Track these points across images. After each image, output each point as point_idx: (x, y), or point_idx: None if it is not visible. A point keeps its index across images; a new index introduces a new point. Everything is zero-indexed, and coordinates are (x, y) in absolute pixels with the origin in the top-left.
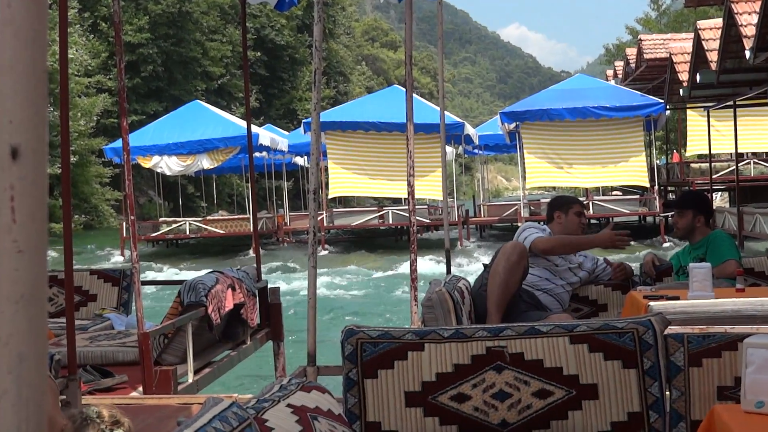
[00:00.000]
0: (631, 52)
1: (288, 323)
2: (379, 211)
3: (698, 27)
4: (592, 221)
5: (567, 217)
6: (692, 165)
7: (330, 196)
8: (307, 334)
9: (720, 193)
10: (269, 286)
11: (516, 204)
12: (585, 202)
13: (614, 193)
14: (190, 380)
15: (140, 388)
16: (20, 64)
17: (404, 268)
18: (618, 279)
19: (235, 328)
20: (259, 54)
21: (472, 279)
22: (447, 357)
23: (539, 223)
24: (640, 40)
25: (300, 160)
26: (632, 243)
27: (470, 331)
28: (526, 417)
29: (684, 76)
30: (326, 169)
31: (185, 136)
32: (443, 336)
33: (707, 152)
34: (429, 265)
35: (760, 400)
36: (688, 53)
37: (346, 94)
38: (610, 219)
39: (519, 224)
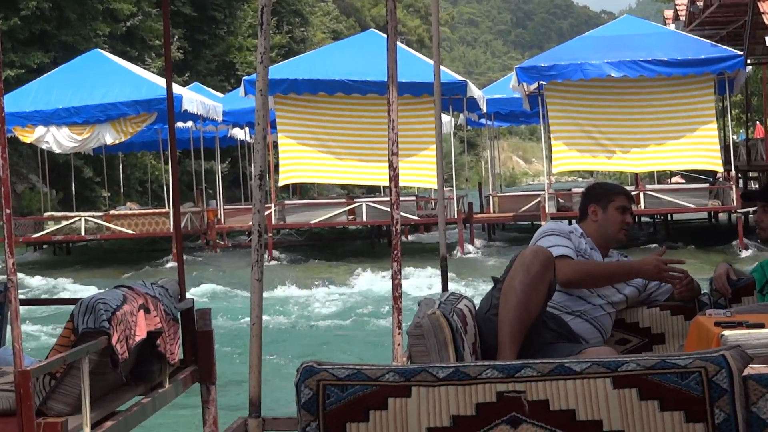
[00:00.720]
0: None
1: (223, 359)
2: (348, 205)
3: None
4: (643, 219)
5: (606, 214)
6: None
7: (281, 183)
8: (249, 374)
9: None
10: (197, 307)
11: (538, 195)
12: (633, 193)
13: (674, 180)
14: None
15: None
16: None
17: (384, 282)
18: (680, 298)
19: (148, 365)
20: None
21: (477, 299)
22: (443, 406)
23: (569, 222)
24: None
25: (239, 134)
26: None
27: (475, 370)
28: None
29: None
30: (276, 147)
31: (81, 100)
32: (438, 377)
33: None
34: (418, 280)
35: None
36: None
37: (303, 42)
38: (669, 216)
39: (542, 223)
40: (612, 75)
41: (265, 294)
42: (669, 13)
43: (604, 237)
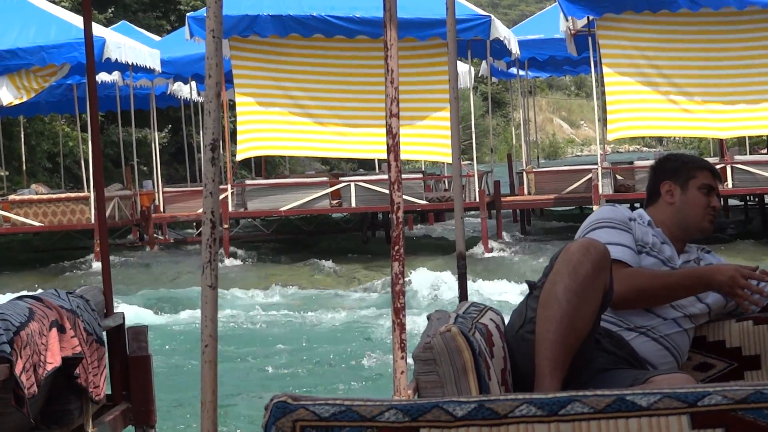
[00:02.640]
0: None
1: (165, 392)
2: (332, 185)
3: None
4: (731, 202)
5: (685, 195)
6: None
7: (240, 157)
8: (200, 413)
9: None
10: (129, 325)
11: (589, 170)
12: (719, 167)
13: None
14: None
15: None
16: None
17: (381, 288)
18: (745, 309)
19: (64, 402)
20: None
21: (507, 311)
22: None
23: (631, 207)
24: None
25: (183, 90)
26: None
27: (506, 407)
28: None
29: None
30: (232, 108)
31: None
32: (455, 415)
33: None
34: (427, 284)
35: None
36: None
37: None
38: (766, 199)
39: (594, 208)
40: (686, 9)
41: (221, 305)
42: None
43: (682, 226)
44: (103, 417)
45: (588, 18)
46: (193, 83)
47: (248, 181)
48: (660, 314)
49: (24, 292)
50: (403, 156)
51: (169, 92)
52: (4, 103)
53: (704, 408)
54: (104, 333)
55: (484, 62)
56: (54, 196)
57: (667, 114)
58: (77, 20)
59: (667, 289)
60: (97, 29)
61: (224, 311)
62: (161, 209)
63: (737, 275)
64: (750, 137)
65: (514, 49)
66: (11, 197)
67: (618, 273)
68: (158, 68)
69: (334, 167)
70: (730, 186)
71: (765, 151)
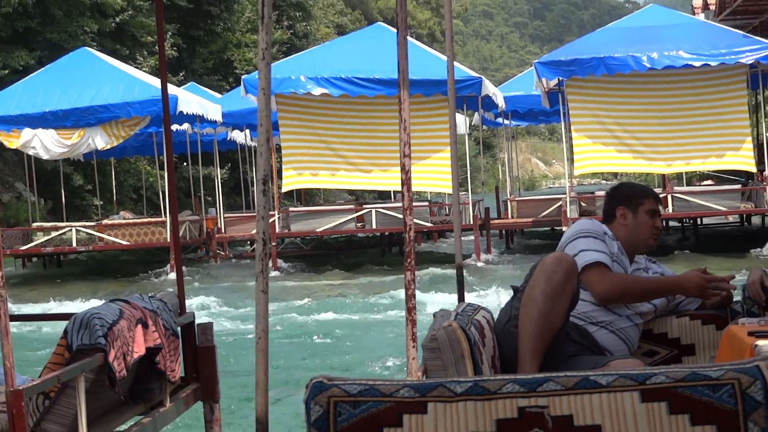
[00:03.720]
0: None
1: (227, 375)
2: (357, 211)
3: None
4: (671, 223)
5: (636, 218)
6: None
7: (285, 189)
8: (255, 391)
9: None
10: (198, 321)
11: (559, 199)
12: (662, 196)
13: (705, 182)
14: None
15: None
16: None
17: (396, 293)
18: (712, 307)
19: (148, 383)
20: None
21: (496, 310)
22: (461, 423)
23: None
24: None
25: (239, 136)
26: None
27: (495, 385)
28: None
29: None
30: (279, 150)
31: (69, 102)
32: (455, 392)
33: None
34: (432, 290)
35: None
36: None
37: (306, 38)
38: (698, 220)
39: (564, 229)
40: (637, 69)
41: (271, 306)
42: (698, 2)
43: (633, 242)
44: (178, 394)
45: (558, 79)
46: (247, 131)
47: (291, 208)
48: (617, 312)
49: (115, 297)
50: (413, 188)
51: (228, 138)
52: (99, 148)
53: (651, 386)
54: (178, 328)
55: (476, 113)
56: (138, 220)
57: (621, 154)
58: (155, 81)
59: (647, 292)
60: (171, 89)
61: (273, 310)
62: (222, 231)
63: (701, 280)
64: (686, 173)
65: (500, 103)
66: (104, 222)
67: (608, 276)
68: (220, 119)
69: (358, 197)
70: (670, 211)
71: (698, 183)
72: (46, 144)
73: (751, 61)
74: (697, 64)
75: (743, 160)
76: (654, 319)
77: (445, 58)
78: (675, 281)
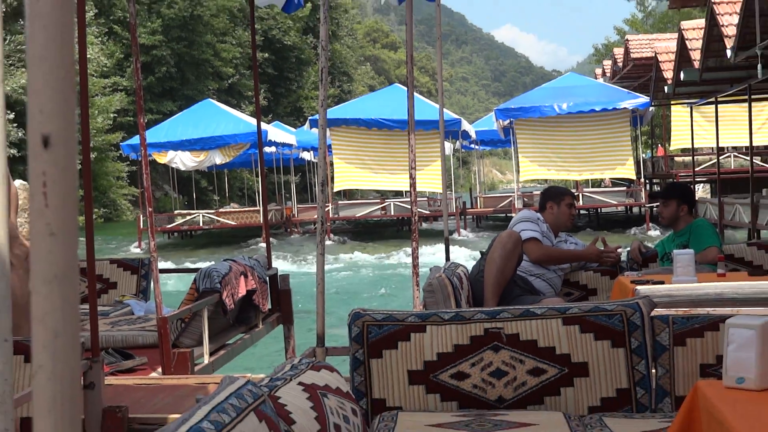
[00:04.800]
0: (619, 52)
1: (298, 308)
2: (381, 203)
3: (682, 27)
4: (582, 212)
5: (559, 208)
6: (676, 158)
7: (335, 190)
8: (316, 318)
9: (702, 184)
10: (279, 273)
11: (510, 196)
12: (575, 194)
13: (603, 185)
14: (206, 361)
15: (159, 369)
16: (49, 55)
17: (406, 256)
18: (606, 265)
19: (247, 312)
20: (267, 54)
21: (469, 266)
22: (447, 338)
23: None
24: (627, 40)
25: (306, 155)
26: (615, 230)
27: (469, 314)
28: (521, 393)
29: (668, 74)
30: (332, 164)
31: (198, 133)
32: (444, 318)
33: (690, 146)
34: (429, 253)
35: (741, 376)
36: (673, 52)
37: (349, 93)
38: (599, 210)
39: (513, 215)
40: (559, 115)
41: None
42: (599, 71)
43: (557, 224)
44: (267, 320)
45: (510, 120)
46: (312, 152)
47: (340, 202)
48: (547, 268)
49: (226, 257)
50: (417, 188)
51: (299, 156)
52: (217, 163)
53: (569, 315)
54: (267, 277)
55: (457, 141)
56: (241, 209)
57: (549, 167)
58: (253, 121)
59: (563, 258)
60: (263, 125)
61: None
62: (296, 215)
63: (598, 252)
64: (591, 179)
65: (473, 135)
66: (220, 210)
67: (539, 247)
68: (294, 144)
69: (382, 194)
70: (581, 203)
71: (601, 185)
72: (183, 160)
73: (631, 107)
74: (597, 108)
75: (627, 171)
76: (570, 272)
77: (437, 106)
78: (581, 253)
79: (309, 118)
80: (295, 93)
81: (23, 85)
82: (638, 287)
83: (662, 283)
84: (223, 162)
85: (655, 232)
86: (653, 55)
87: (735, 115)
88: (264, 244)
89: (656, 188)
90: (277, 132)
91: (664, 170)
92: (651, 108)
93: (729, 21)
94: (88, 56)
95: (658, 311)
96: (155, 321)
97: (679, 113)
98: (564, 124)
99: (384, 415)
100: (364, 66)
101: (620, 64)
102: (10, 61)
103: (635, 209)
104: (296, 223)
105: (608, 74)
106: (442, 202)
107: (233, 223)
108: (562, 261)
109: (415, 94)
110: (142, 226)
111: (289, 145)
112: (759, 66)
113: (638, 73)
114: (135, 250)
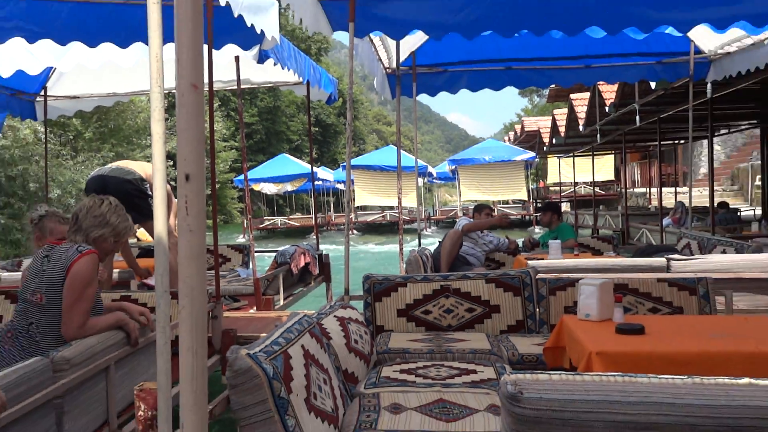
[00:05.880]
0: (518, 127)
1: (333, 273)
2: (382, 213)
3: (554, 113)
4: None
5: (481, 215)
6: (550, 188)
7: (356, 205)
8: (344, 279)
9: (565, 203)
10: (323, 252)
11: (455, 209)
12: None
13: (509, 202)
14: (281, 303)
15: (255, 308)
16: (190, 128)
17: (396, 244)
18: (511, 249)
19: (304, 275)
20: (316, 129)
21: (432, 249)
22: (419, 290)
23: (472, 217)
24: (522, 120)
25: (340, 186)
26: (515, 229)
27: (432, 277)
28: (462, 322)
29: (546, 139)
30: (353, 190)
31: (277, 173)
32: (417, 279)
33: (559, 180)
34: (408, 242)
35: (587, 313)
36: (549, 127)
37: (363, 150)
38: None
39: (457, 220)
40: (484, 163)
41: (351, 247)
42: (507, 138)
43: (481, 225)
44: (316, 279)
45: (455, 166)
46: (343, 184)
47: (359, 212)
48: (476, 249)
49: (292, 243)
50: (402, 204)
51: (335, 186)
52: (289, 190)
53: (489, 277)
54: (317, 255)
55: (425, 178)
56: (302, 216)
57: (479, 193)
58: (308, 166)
59: (481, 224)
60: (315, 168)
61: (351, 248)
62: (332, 219)
63: (500, 217)
64: (501, 200)
65: (434, 174)
66: (290, 217)
67: (468, 223)
68: (332, 179)
69: (383, 208)
70: (496, 213)
71: (509, 203)
72: (269, 188)
73: (525, 159)
74: (506, 158)
75: (522, 194)
76: (490, 252)
77: (414, 158)
78: (492, 221)
79: (341, 164)
80: (333, 150)
81: (174, 146)
82: (529, 262)
83: (542, 259)
84: (292, 189)
85: (538, 230)
86: (537, 129)
87: (584, 163)
88: (314, 237)
89: (539, 205)
90: (323, 172)
91: (543, 195)
92: (536, 159)
93: (581, 109)
94: (216, 128)
95: (540, 275)
96: (252, 280)
97: (552, 161)
98: (487, 168)
99: (383, 334)
100: (372, 135)
101: (518, 134)
102: (171, 132)
103: (527, 217)
104: (333, 224)
105: (512, 140)
106: (417, 212)
107: (297, 224)
108: (482, 226)
109: (401, 151)
110: (244, 226)
111: (329, 180)
112: (598, 135)
113: (529, 140)
114: (240, 240)
